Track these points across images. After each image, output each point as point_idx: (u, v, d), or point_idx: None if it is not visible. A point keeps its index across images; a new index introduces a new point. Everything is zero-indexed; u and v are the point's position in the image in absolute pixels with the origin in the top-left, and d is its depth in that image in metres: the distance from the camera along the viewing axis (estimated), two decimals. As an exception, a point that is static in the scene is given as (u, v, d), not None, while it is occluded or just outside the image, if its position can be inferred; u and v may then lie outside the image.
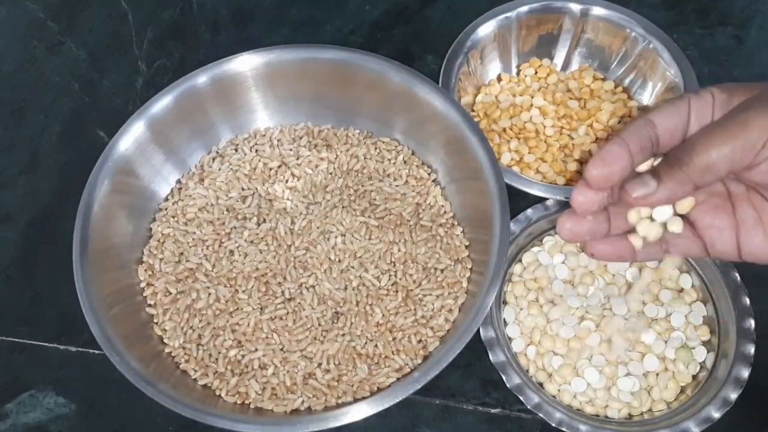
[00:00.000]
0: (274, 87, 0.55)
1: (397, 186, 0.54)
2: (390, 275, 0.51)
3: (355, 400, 0.47)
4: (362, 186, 0.54)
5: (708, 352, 0.49)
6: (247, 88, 0.55)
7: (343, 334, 0.49)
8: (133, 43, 0.67)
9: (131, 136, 0.51)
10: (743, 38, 0.64)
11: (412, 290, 0.50)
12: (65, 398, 0.52)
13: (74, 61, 0.66)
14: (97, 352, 0.53)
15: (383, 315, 0.49)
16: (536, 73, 0.61)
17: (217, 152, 0.56)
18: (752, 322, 0.48)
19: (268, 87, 0.55)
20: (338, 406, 0.47)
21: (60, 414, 0.51)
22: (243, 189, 0.55)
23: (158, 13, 0.68)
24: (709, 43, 0.64)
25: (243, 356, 0.49)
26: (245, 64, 0.53)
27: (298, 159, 0.55)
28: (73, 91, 0.64)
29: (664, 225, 0.33)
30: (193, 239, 0.53)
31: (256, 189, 0.54)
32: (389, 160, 0.55)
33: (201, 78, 0.53)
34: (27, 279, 0.56)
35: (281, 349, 0.49)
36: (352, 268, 0.51)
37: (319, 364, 0.48)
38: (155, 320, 0.50)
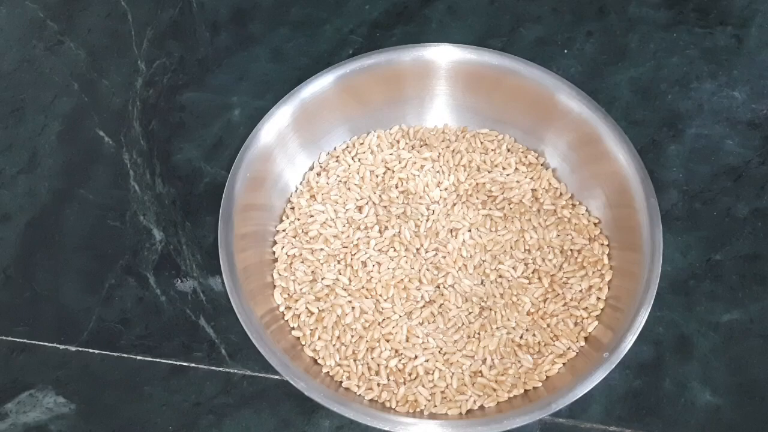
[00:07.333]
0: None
1: (508, 175, 0.55)
2: (527, 263, 0.51)
3: (526, 392, 0.47)
4: (474, 180, 0.54)
5: None
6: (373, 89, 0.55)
7: (498, 328, 0.49)
8: (133, 43, 0.67)
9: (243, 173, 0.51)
10: (743, 38, 0.64)
11: (554, 275, 0.50)
12: (65, 398, 0.52)
13: (74, 60, 0.66)
14: (96, 351, 0.53)
15: (532, 303, 0.50)
16: None
17: (321, 167, 0.56)
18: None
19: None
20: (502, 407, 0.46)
21: (60, 414, 0.51)
22: (357, 199, 0.54)
23: (158, 13, 0.68)
24: (709, 42, 0.64)
25: (404, 365, 0.48)
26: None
27: (401, 162, 0.55)
28: (73, 90, 0.64)
29: None
30: (323, 256, 0.52)
31: (369, 197, 0.54)
32: (493, 150, 0.56)
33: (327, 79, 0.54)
34: (26, 279, 0.56)
35: (440, 352, 0.48)
36: (485, 261, 0.51)
37: (483, 361, 0.48)
38: (302, 342, 0.50)
